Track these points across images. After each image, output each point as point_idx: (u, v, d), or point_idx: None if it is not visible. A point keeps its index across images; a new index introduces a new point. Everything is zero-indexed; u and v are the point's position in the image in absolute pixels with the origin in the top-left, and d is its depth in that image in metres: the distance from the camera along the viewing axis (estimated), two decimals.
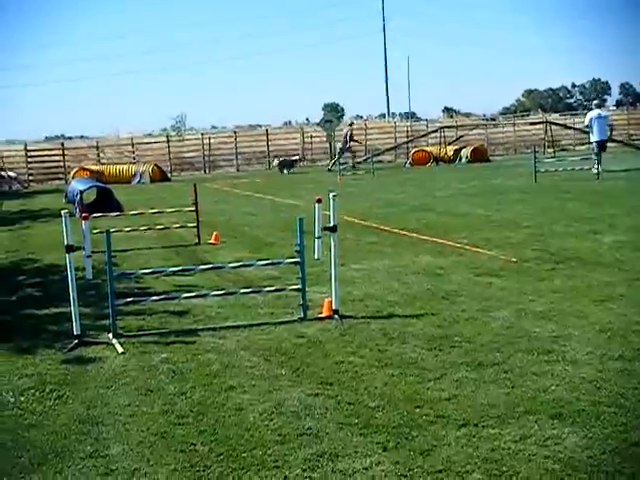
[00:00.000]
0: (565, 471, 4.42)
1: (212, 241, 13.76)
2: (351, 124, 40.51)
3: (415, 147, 40.95)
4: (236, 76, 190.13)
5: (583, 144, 45.35)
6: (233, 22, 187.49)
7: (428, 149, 39.15)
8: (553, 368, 6.18)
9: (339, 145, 37.75)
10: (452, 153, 37.64)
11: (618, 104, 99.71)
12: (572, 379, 5.90)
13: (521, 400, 5.52)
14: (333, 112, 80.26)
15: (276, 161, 39.24)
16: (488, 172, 29.09)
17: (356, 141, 38.71)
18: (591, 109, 27.71)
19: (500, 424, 5.12)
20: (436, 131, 41.60)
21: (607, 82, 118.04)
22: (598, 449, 4.66)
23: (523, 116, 68.94)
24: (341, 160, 34.78)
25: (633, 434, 4.83)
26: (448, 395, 5.70)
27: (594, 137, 25.42)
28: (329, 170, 35.94)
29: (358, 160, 37.63)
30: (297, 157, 40.06)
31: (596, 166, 24.17)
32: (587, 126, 26.44)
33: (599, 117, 25.67)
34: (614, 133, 26.01)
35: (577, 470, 4.42)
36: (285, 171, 37.05)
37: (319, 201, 8.10)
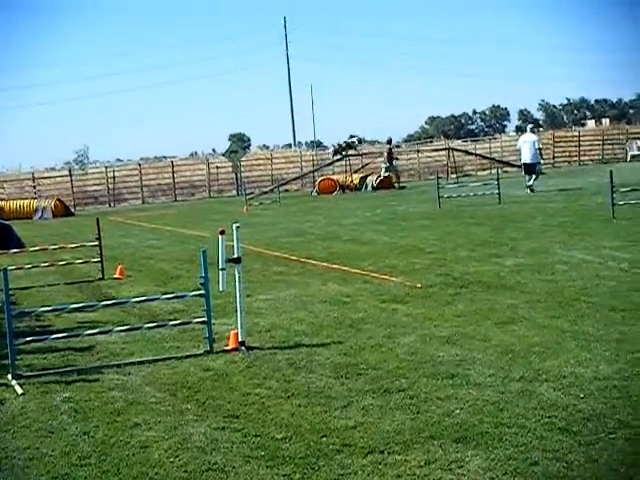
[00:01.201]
0: None
1: (117, 276, 13.55)
2: (389, 141, 40.99)
3: (321, 175, 41.25)
4: (141, 107, 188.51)
5: (485, 169, 46.55)
6: (136, 53, 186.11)
7: (334, 177, 39.48)
8: (457, 392, 6.27)
9: (384, 165, 38.02)
10: (358, 181, 38.04)
11: (517, 130, 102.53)
12: (475, 402, 5.99)
13: (426, 425, 5.57)
14: (239, 142, 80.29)
15: (332, 148, 40.19)
16: (393, 199, 29.48)
17: (395, 158, 38.97)
18: (525, 132, 29.17)
19: (405, 450, 5.16)
20: (341, 159, 42.01)
21: (506, 108, 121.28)
22: (500, 470, 4.73)
23: (427, 143, 70.24)
24: (247, 190, 34.87)
25: (533, 454, 4.92)
26: (354, 423, 5.72)
27: (522, 160, 27.09)
28: (374, 188, 36.21)
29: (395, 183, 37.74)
30: (354, 139, 40.58)
31: (530, 183, 26.57)
32: (518, 149, 28.08)
33: (528, 141, 27.08)
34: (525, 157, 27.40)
35: None
36: (338, 155, 38.02)
37: (222, 232, 8.06)
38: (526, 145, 27.58)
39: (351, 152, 41.44)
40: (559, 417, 5.53)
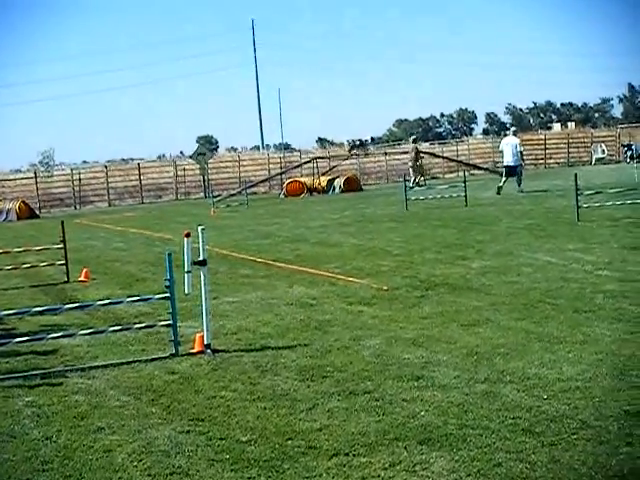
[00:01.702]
0: None
1: (82, 278, 13.44)
2: (415, 141, 41.22)
3: (289, 178, 41.24)
4: (108, 109, 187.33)
5: (452, 172, 46.80)
6: (104, 54, 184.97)
7: (302, 180, 39.49)
8: (422, 394, 6.28)
9: (410, 164, 38.02)
10: (325, 183, 38.08)
11: (485, 132, 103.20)
12: (440, 404, 6.01)
13: (391, 427, 5.58)
14: (207, 144, 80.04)
15: (346, 143, 40.53)
16: (361, 201, 29.54)
17: (422, 157, 39.07)
18: (507, 135, 29.79)
19: (370, 452, 5.16)
20: (309, 162, 42.06)
21: (474, 112, 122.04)
22: (464, 471, 4.75)
23: (394, 145, 70.44)
24: (214, 193, 34.80)
25: (497, 455, 4.95)
26: (320, 425, 5.71)
27: (504, 162, 27.61)
28: (411, 188, 36.24)
29: (419, 181, 37.54)
30: (368, 138, 40.99)
31: (502, 184, 27.14)
32: (500, 151, 28.90)
33: (510, 144, 27.66)
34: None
35: None
36: (354, 150, 38.19)
37: (187, 235, 8.03)
38: (508, 147, 28.10)
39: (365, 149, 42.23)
40: (523, 418, 5.56)
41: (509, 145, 28.09)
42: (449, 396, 6.17)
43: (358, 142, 40.47)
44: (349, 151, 40.08)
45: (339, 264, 13.31)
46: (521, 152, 28.35)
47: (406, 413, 5.85)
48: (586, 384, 6.22)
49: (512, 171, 27.77)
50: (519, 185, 27.21)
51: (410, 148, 39.58)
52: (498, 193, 26.75)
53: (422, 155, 39.61)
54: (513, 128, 33.99)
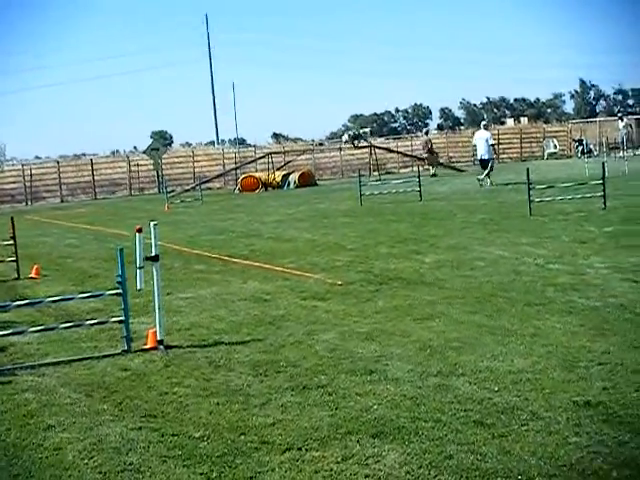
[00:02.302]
0: None
1: (33, 275, 13.26)
2: (427, 133, 42.04)
3: (244, 173, 41.10)
4: (61, 104, 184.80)
5: (407, 167, 47.02)
6: (57, 49, 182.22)
7: (257, 175, 39.37)
8: (375, 387, 6.31)
9: (424, 155, 39.46)
10: (280, 178, 38.02)
11: (439, 128, 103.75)
12: (393, 397, 6.04)
13: (344, 421, 5.60)
14: (161, 140, 79.47)
15: (346, 136, 40.78)
16: (315, 196, 29.55)
17: (434, 150, 39.39)
18: (480, 129, 30.34)
19: (323, 446, 5.17)
20: (264, 157, 41.95)
21: (428, 107, 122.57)
22: (416, 464, 4.78)
23: None
24: (168, 188, 34.63)
25: (449, 447, 4.99)
26: (273, 420, 5.71)
27: (478, 155, 28.20)
28: (433, 175, 37.04)
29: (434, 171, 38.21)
30: (366, 130, 41.20)
31: (482, 177, 27.59)
32: (474, 145, 29.58)
33: (482, 138, 28.30)
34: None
35: None
36: (356, 142, 39.76)
37: (139, 230, 7.96)
38: (480, 141, 28.92)
39: (363, 142, 42.63)
40: (474, 410, 5.61)
41: (481, 139, 28.86)
42: (402, 389, 6.20)
43: (357, 133, 40.99)
44: (352, 143, 40.57)
45: (293, 259, 13.31)
46: (493, 145, 29.05)
47: (359, 407, 5.87)
48: (536, 376, 6.29)
49: (485, 163, 28.50)
50: (488, 177, 27.72)
51: (422, 140, 40.34)
52: (491, 184, 27.32)
53: (434, 149, 40.40)
54: (484, 122, 34.82)
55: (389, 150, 48.62)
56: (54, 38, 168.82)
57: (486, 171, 27.97)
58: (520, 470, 4.59)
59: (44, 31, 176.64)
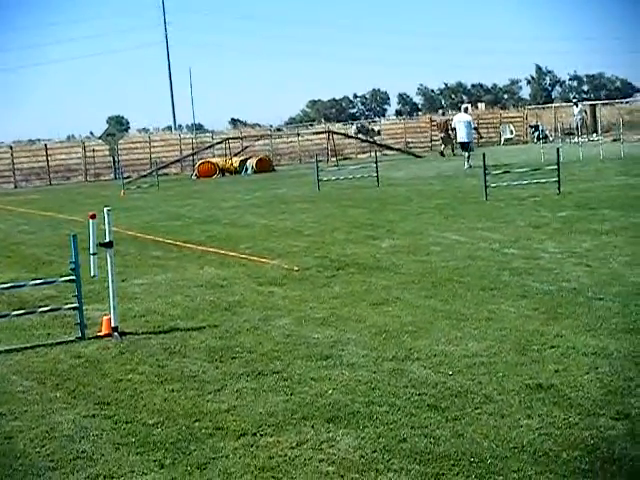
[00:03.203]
0: (338, 472, 4.52)
1: None
2: (443, 114, 42.42)
3: (201, 159, 40.84)
4: (14, 89, 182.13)
5: (364, 153, 47.06)
6: (8, 31, 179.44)
7: (214, 161, 39.13)
8: (331, 373, 6.32)
9: (441, 135, 39.20)
10: (238, 164, 37.84)
11: (397, 113, 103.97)
12: (348, 382, 6.05)
13: (299, 406, 5.60)
14: (117, 125, 78.69)
15: (354, 127, 40.83)
16: (273, 182, 29.48)
17: (452, 130, 39.39)
18: (459, 112, 30.70)
19: (278, 431, 5.17)
20: (221, 142, 41.70)
21: (386, 92, 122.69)
22: (370, 448, 4.80)
23: (307, 126, 70.44)
24: (125, 174, 34.36)
25: (403, 431, 5.02)
26: (227, 406, 5.69)
27: (458, 139, 28.51)
28: (442, 154, 37.48)
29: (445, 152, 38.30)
30: (375, 128, 41.36)
31: (466, 163, 27.76)
32: (453, 128, 29.93)
33: (462, 121, 28.60)
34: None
35: (349, 470, 4.53)
36: (362, 136, 40.54)
37: (93, 217, 7.88)
38: (461, 124, 29.40)
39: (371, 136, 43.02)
40: (429, 394, 5.65)
41: (462, 122, 29.36)
42: (357, 374, 6.22)
43: (367, 128, 41.70)
44: (356, 134, 41.26)
45: (250, 245, 13.27)
46: (476, 128, 29.57)
47: (314, 392, 5.87)
48: (490, 359, 6.35)
49: (465, 146, 29.00)
50: (468, 160, 27.91)
51: (441, 120, 40.74)
52: (470, 167, 27.37)
53: (452, 127, 40.57)
54: (464, 105, 35.45)
55: (347, 136, 48.61)
56: (5, 22, 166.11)
57: (467, 153, 28.28)
58: (473, 453, 4.63)
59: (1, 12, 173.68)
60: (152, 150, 45.33)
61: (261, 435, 5.13)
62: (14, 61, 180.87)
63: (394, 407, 5.44)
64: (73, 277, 7.97)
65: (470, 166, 27.37)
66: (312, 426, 5.22)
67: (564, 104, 57.55)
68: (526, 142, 48.82)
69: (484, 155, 17.92)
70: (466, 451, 4.65)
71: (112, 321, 7.93)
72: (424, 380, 5.98)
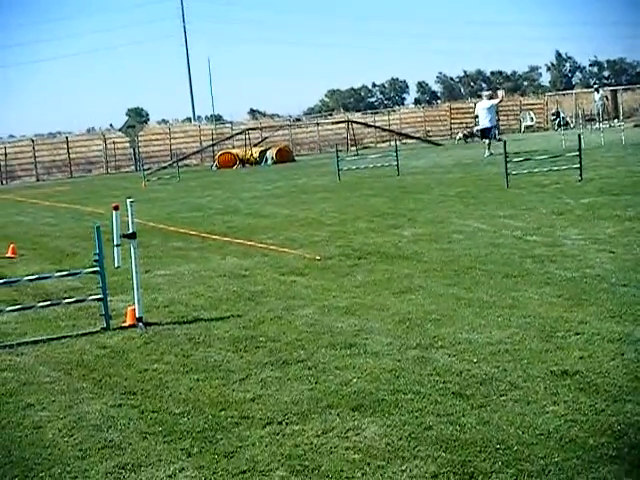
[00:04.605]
0: (365, 460, 4.53)
1: (9, 254, 13.17)
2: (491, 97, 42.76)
3: (221, 150, 40.93)
4: (35, 82, 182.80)
5: (384, 142, 46.98)
6: (31, 25, 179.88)
7: (234, 151, 39.23)
8: (355, 361, 6.33)
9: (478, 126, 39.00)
10: (258, 155, 37.90)
11: (416, 102, 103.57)
12: (373, 370, 6.06)
13: (324, 395, 5.62)
14: (137, 117, 78.91)
15: (460, 134, 41.44)
16: (293, 172, 29.50)
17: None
18: (482, 99, 30.81)
19: (303, 420, 5.19)
20: (241, 133, 41.79)
21: (405, 81, 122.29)
22: (396, 435, 4.81)
23: (326, 116, 70.37)
24: (145, 166, 34.45)
25: (428, 418, 5.02)
26: (253, 395, 5.72)
27: (480, 125, 28.57)
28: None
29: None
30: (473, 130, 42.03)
31: (486, 151, 27.64)
32: (476, 116, 29.98)
33: (485, 107, 28.55)
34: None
35: (376, 458, 4.54)
36: (469, 140, 40.80)
37: (116, 208, 7.92)
38: (483, 111, 29.12)
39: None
40: (453, 382, 5.65)
41: (484, 109, 29.05)
42: (381, 363, 6.22)
43: (471, 131, 41.86)
44: (464, 140, 41.72)
45: (272, 235, 13.30)
46: (497, 112, 29.51)
47: (339, 381, 5.89)
48: (514, 347, 6.33)
49: (486, 133, 28.78)
50: (488, 148, 27.76)
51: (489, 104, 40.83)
52: (491, 154, 27.22)
53: (475, 115, 40.53)
54: (486, 92, 35.16)
55: (366, 125, 48.54)
56: (26, 15, 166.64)
57: (487, 141, 28.11)
58: (499, 439, 4.63)
59: (18, 9, 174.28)
60: (172, 141, 45.53)
61: (287, 423, 5.15)
62: (33, 54, 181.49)
63: (419, 395, 5.44)
64: (97, 268, 8.02)
65: (491, 153, 27.22)
66: (337, 414, 5.23)
67: (585, 90, 57.16)
68: (547, 129, 48.63)
69: (505, 142, 17.84)
70: (492, 438, 4.65)
71: (137, 312, 7.98)
72: (448, 368, 5.97)
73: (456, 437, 4.71)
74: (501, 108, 53.22)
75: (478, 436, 4.70)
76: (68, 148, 43.60)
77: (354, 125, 45.27)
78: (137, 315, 7.97)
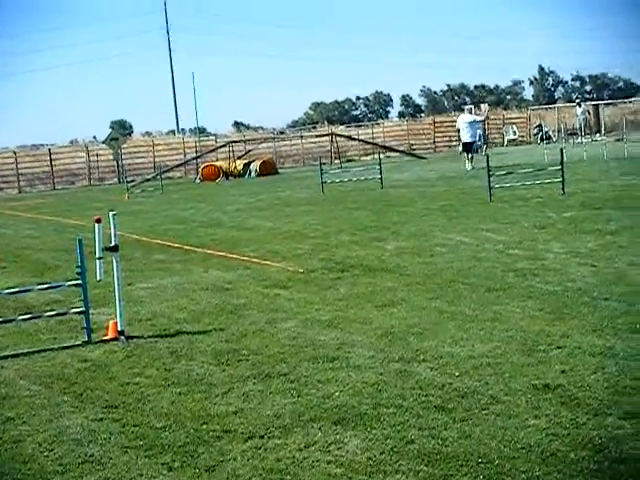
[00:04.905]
0: (346, 474, 4.52)
1: None
2: (471, 111, 42.68)
3: (204, 162, 40.90)
4: (17, 94, 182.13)
5: (368, 155, 47.09)
6: (12, 37, 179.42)
7: (218, 164, 39.21)
8: (337, 375, 6.32)
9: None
10: (241, 167, 37.90)
11: (400, 115, 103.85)
12: (355, 384, 6.06)
13: (306, 408, 5.61)
14: (120, 129, 78.75)
15: (460, 147, 42.08)
16: (277, 185, 29.52)
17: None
18: (463, 113, 30.89)
19: (285, 434, 5.18)
20: (224, 146, 41.79)
21: (389, 94, 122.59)
22: (378, 449, 4.80)
23: (310, 129, 70.46)
24: (129, 178, 34.41)
25: (410, 432, 5.02)
26: (235, 409, 5.70)
27: (462, 139, 29.00)
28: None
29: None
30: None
31: (468, 164, 27.97)
32: (458, 130, 30.21)
33: (466, 121, 28.77)
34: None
35: (357, 472, 4.53)
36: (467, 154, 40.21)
37: (98, 221, 7.90)
38: (464, 125, 29.53)
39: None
40: (435, 396, 5.65)
41: (465, 123, 29.29)
42: (364, 376, 6.22)
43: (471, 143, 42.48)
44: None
45: (255, 248, 13.29)
46: (483, 126, 29.70)
47: (321, 394, 5.88)
48: (496, 360, 6.35)
49: (469, 147, 29.01)
50: (470, 161, 28.01)
51: (482, 117, 40.86)
52: (473, 168, 27.36)
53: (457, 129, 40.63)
54: (467, 106, 35.51)
55: (350, 138, 48.64)
56: (9, 26, 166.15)
57: (469, 155, 28.29)
58: (480, 453, 4.63)
59: (5, 17, 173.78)
60: (156, 154, 45.47)
61: (269, 437, 5.14)
62: (18, 66, 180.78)
63: (401, 409, 5.44)
64: (79, 281, 7.99)
65: (472, 167, 27.37)
66: (319, 428, 5.22)
67: (567, 104, 57.54)
68: (530, 143, 48.86)
69: (487, 156, 17.92)
70: (474, 452, 4.65)
71: (118, 325, 7.95)
72: (431, 381, 5.98)
73: (438, 451, 4.72)
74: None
75: (460, 450, 4.70)
76: (51, 160, 43.45)
77: (338, 138, 45.35)
78: (119, 328, 7.93)
